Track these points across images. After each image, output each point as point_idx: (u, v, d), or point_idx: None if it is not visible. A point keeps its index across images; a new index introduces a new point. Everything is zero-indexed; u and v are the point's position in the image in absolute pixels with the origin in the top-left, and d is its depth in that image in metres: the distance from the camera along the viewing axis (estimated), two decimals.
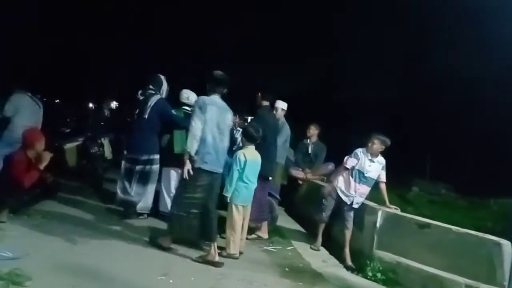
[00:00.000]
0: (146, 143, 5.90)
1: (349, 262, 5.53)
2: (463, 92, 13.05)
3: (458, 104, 13.41)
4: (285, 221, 7.14)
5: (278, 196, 6.42)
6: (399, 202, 8.79)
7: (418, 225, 5.07)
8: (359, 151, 5.81)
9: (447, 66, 12.84)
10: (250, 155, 5.01)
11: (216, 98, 4.80)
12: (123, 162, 6.05)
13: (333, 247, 5.90)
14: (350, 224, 5.73)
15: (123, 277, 3.97)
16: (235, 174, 4.92)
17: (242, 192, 4.98)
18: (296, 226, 7.04)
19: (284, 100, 7.05)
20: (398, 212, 5.57)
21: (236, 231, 4.95)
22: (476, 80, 12.68)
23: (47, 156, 5.35)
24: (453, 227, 4.87)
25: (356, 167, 5.75)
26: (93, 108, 18.59)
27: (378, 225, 5.36)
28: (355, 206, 5.76)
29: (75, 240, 4.73)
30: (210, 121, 4.65)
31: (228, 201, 4.96)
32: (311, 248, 5.86)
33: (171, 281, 4.05)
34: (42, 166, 5.28)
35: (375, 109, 13.98)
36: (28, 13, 14.90)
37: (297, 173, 8.15)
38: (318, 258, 5.54)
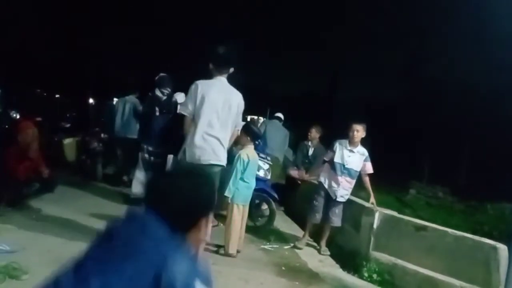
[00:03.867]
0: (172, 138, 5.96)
1: (325, 252, 5.74)
2: (463, 96, 13.08)
3: (457, 108, 13.45)
4: (283, 220, 7.17)
5: (275, 194, 6.42)
6: (396, 204, 8.83)
7: (415, 227, 5.08)
8: (336, 142, 5.81)
9: (449, 70, 12.87)
10: (252, 155, 5.02)
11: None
12: (141, 155, 6.37)
13: (331, 247, 5.91)
14: (336, 220, 5.74)
15: None
16: (238, 174, 4.92)
17: (244, 191, 4.99)
18: (294, 226, 7.05)
19: (285, 100, 7.13)
20: (395, 213, 5.59)
21: (235, 230, 4.97)
22: (477, 84, 12.72)
23: (35, 145, 5.36)
24: (449, 230, 4.88)
25: (336, 160, 5.73)
26: (93, 103, 18.58)
27: (375, 226, 5.37)
28: (340, 199, 5.73)
29: (73, 234, 4.72)
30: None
31: (230, 201, 4.96)
32: (294, 246, 5.84)
33: None
34: (31, 155, 5.29)
35: (376, 110, 14.00)
36: (28, 6, 14.89)
37: (295, 173, 8.16)
38: (315, 258, 5.56)
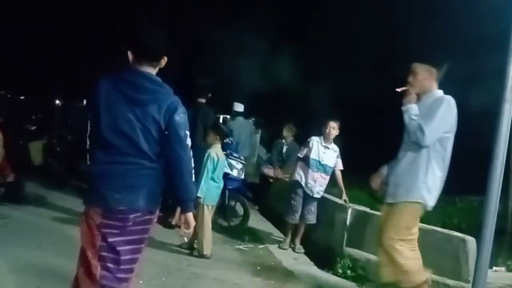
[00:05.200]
0: None
1: (299, 250, 5.76)
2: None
3: None
4: (257, 220, 7.15)
5: (249, 194, 6.41)
6: (369, 200, 8.95)
7: None
8: (312, 139, 5.84)
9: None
10: (220, 154, 4.99)
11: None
12: None
13: (305, 245, 5.94)
14: (311, 217, 5.77)
15: None
16: (209, 174, 4.88)
17: (214, 191, 4.96)
18: (268, 225, 7.05)
19: (259, 99, 7.09)
20: (368, 209, 5.65)
21: (208, 230, 4.93)
22: (449, 81, 13.02)
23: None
24: (420, 224, 4.96)
25: (312, 156, 5.76)
26: (60, 105, 18.10)
27: (348, 222, 5.43)
28: (316, 196, 5.77)
29: (41, 241, 4.59)
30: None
31: (201, 202, 4.91)
32: (279, 247, 5.86)
33: (141, 281, 3.98)
34: None
35: (350, 107, 14.16)
36: None
37: (269, 171, 8.16)
38: (290, 256, 5.57)
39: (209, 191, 4.92)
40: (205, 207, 4.93)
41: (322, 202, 5.92)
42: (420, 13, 13.30)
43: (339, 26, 14.45)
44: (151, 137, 2.44)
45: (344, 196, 5.68)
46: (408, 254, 3.47)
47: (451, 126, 3.43)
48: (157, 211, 2.61)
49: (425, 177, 3.45)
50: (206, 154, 4.95)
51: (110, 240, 2.42)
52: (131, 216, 2.43)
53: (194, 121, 5.54)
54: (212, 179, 4.92)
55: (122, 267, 2.49)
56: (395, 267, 3.46)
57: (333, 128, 5.73)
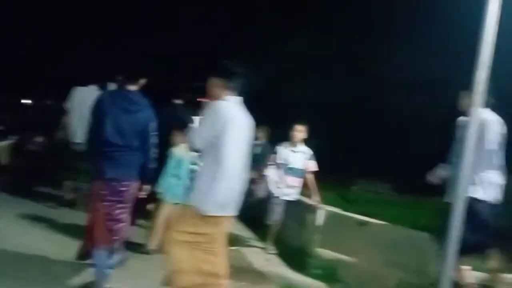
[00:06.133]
0: None
1: (271, 251, 5.79)
2: (405, 96, 13.62)
3: (399, 107, 13.99)
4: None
5: None
6: (340, 201, 9.06)
7: (357, 223, 5.24)
8: (279, 146, 5.93)
9: (395, 69, 13.35)
10: (183, 151, 5.00)
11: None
12: None
13: (277, 246, 5.96)
14: (279, 218, 5.80)
15: None
16: (169, 170, 4.91)
17: (175, 189, 4.94)
18: (240, 227, 7.03)
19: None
20: (339, 210, 5.73)
21: (161, 226, 4.90)
22: (420, 82, 13.30)
23: None
24: (390, 224, 5.08)
25: (280, 161, 5.83)
26: (29, 104, 17.63)
27: (319, 223, 5.48)
28: (286, 198, 5.80)
29: (5, 246, 4.45)
30: None
31: (161, 197, 4.93)
32: (267, 253, 5.84)
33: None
34: None
35: (323, 109, 14.31)
36: None
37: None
38: (261, 257, 5.59)
39: (170, 187, 4.93)
40: (165, 203, 4.94)
41: (294, 203, 5.96)
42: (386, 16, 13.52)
43: (315, 28, 14.59)
44: (137, 134, 3.78)
45: (316, 198, 5.73)
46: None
47: (218, 131, 3.22)
48: (137, 181, 3.88)
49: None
50: (169, 151, 5.01)
51: (110, 198, 3.72)
52: (123, 183, 3.75)
53: (171, 122, 5.54)
54: (175, 176, 4.93)
55: (119, 216, 3.79)
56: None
57: (299, 131, 5.78)
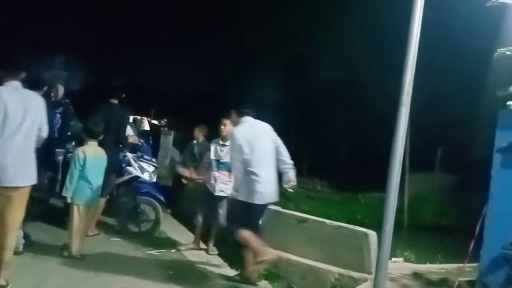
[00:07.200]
0: None
1: (213, 252, 5.75)
2: (341, 95, 14.09)
3: (335, 106, 14.46)
4: (170, 223, 7.01)
5: (161, 197, 6.24)
6: (280, 198, 9.21)
7: (297, 220, 5.35)
8: (212, 142, 5.95)
9: (329, 68, 13.75)
10: (92, 152, 4.83)
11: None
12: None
13: (219, 246, 5.93)
14: (221, 218, 5.75)
15: None
16: (75, 173, 4.71)
17: (84, 191, 4.77)
18: (181, 228, 6.94)
19: (171, 101, 6.96)
20: (279, 208, 5.81)
21: (77, 231, 4.75)
22: (352, 83, 13.81)
23: None
24: (327, 221, 5.24)
25: (211, 157, 5.81)
26: None
27: (260, 222, 5.52)
28: (220, 194, 5.68)
29: None
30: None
31: (69, 201, 4.75)
32: (208, 253, 5.76)
33: None
34: None
35: (260, 108, 14.45)
36: None
37: (183, 171, 8.03)
38: (203, 259, 5.53)
39: (78, 190, 4.75)
40: (74, 206, 4.76)
41: (234, 202, 5.95)
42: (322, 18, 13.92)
43: (245, 29, 14.72)
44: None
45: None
46: None
47: None
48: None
49: None
50: (73, 152, 4.90)
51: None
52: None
53: (107, 122, 5.39)
54: (83, 178, 4.75)
55: None
56: None
57: (225, 125, 5.77)
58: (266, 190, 4.56)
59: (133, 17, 15.49)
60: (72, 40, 13.93)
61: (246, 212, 4.60)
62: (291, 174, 4.86)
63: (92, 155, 4.79)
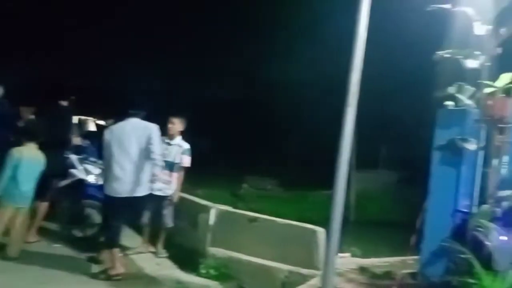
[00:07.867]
0: None
1: (162, 254, 5.66)
2: (291, 96, 14.27)
3: (286, 107, 14.62)
4: None
5: None
6: (232, 199, 9.21)
7: (247, 220, 5.36)
8: None
9: (281, 70, 13.88)
10: (28, 154, 4.70)
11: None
12: None
13: (169, 248, 5.83)
14: (167, 220, 5.65)
15: None
16: (6, 172, 4.60)
17: (13, 192, 4.65)
18: (130, 232, 6.73)
19: (121, 100, 6.75)
20: (230, 208, 5.81)
21: (14, 233, 4.68)
22: (300, 83, 14.02)
23: None
24: (278, 219, 5.29)
25: None
26: None
27: (211, 223, 5.49)
28: (157, 193, 5.48)
29: None
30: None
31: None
32: (157, 257, 5.63)
33: None
34: None
35: (215, 109, 14.39)
36: None
37: None
38: (152, 262, 5.42)
39: (6, 191, 4.63)
40: (4, 208, 4.67)
41: (185, 204, 5.88)
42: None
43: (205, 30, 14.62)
44: None
45: (175, 194, 5.64)
46: None
47: None
48: None
49: None
50: (8, 152, 4.74)
51: None
52: None
53: (49, 123, 5.26)
54: (14, 179, 4.63)
55: None
56: None
57: (173, 124, 5.68)
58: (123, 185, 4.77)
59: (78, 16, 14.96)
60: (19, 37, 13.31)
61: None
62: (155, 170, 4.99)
63: (27, 157, 4.65)
